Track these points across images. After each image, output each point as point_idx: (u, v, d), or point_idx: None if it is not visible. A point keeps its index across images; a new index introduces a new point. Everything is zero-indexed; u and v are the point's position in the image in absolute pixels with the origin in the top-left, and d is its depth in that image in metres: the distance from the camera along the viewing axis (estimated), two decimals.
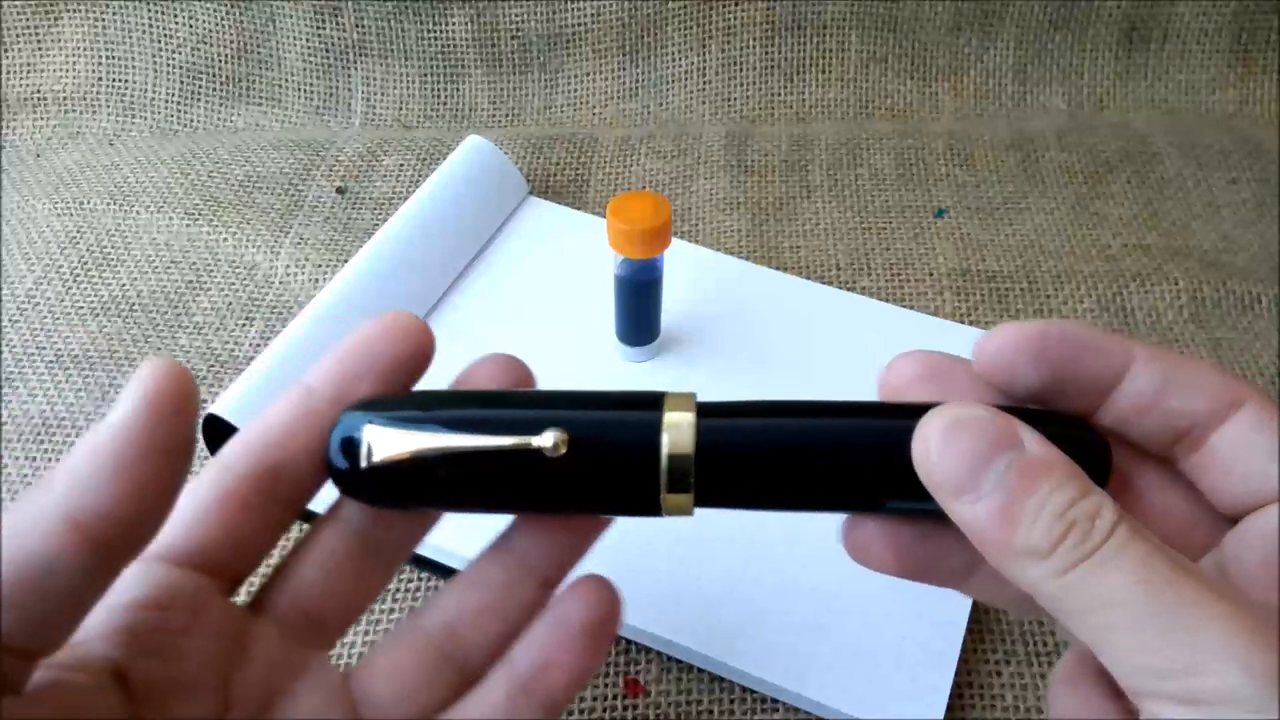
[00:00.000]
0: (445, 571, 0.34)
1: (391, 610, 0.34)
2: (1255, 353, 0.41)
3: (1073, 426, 0.20)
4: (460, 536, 0.30)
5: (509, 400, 0.21)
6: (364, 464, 0.20)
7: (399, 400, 0.21)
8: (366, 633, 0.33)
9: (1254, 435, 0.19)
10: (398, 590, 0.34)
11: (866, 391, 0.25)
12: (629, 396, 0.21)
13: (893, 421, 0.20)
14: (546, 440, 0.20)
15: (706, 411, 0.21)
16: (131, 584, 0.19)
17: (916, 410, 0.20)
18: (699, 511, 0.22)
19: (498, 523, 0.24)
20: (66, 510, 0.16)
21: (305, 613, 0.21)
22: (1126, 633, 0.16)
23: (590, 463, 0.20)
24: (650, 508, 0.21)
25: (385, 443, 0.20)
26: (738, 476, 0.21)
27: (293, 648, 0.21)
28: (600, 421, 0.21)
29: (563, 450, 0.20)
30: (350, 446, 0.21)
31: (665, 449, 0.20)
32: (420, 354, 0.22)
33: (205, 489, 0.20)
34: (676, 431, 0.20)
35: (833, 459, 0.20)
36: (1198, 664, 0.15)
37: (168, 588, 0.19)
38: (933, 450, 0.18)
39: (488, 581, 0.23)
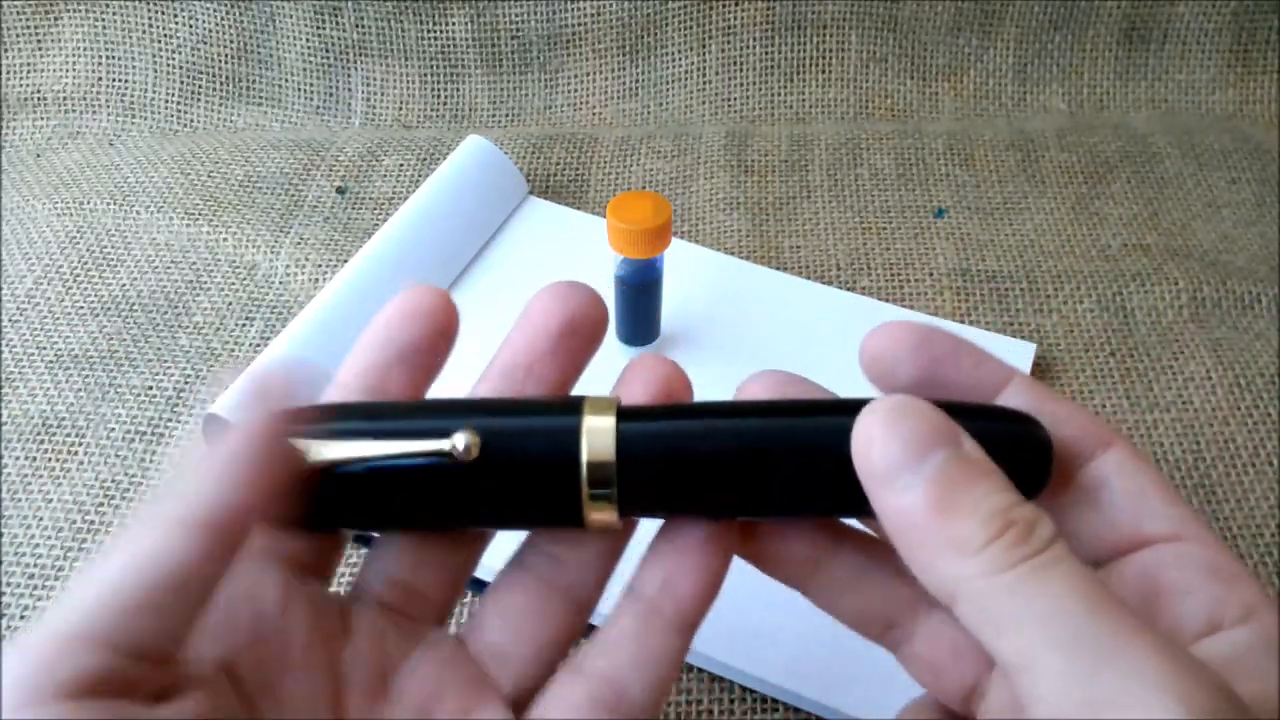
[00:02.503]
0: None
1: None
2: (1255, 353, 0.41)
3: (1021, 421, 0.19)
4: None
5: (422, 408, 0.20)
6: None
7: (305, 412, 0.20)
8: None
9: (1124, 476, 0.19)
10: None
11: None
12: (548, 402, 0.20)
13: (821, 420, 0.19)
14: (457, 443, 0.19)
15: (629, 415, 0.19)
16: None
17: (845, 407, 0.19)
18: None
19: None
20: (182, 516, 0.17)
21: (403, 587, 0.21)
22: (1059, 653, 0.15)
23: (505, 469, 0.19)
24: (573, 519, 0.19)
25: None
26: (663, 483, 0.19)
27: (400, 621, 0.21)
28: (514, 425, 0.19)
29: (474, 454, 0.19)
30: None
31: (584, 456, 0.19)
32: (444, 331, 0.21)
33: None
34: (596, 437, 0.19)
35: (760, 461, 0.19)
36: (1134, 697, 0.14)
37: (250, 583, 0.20)
38: (875, 435, 0.17)
39: None
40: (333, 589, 0.21)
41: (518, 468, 0.19)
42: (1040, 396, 0.20)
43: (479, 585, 0.34)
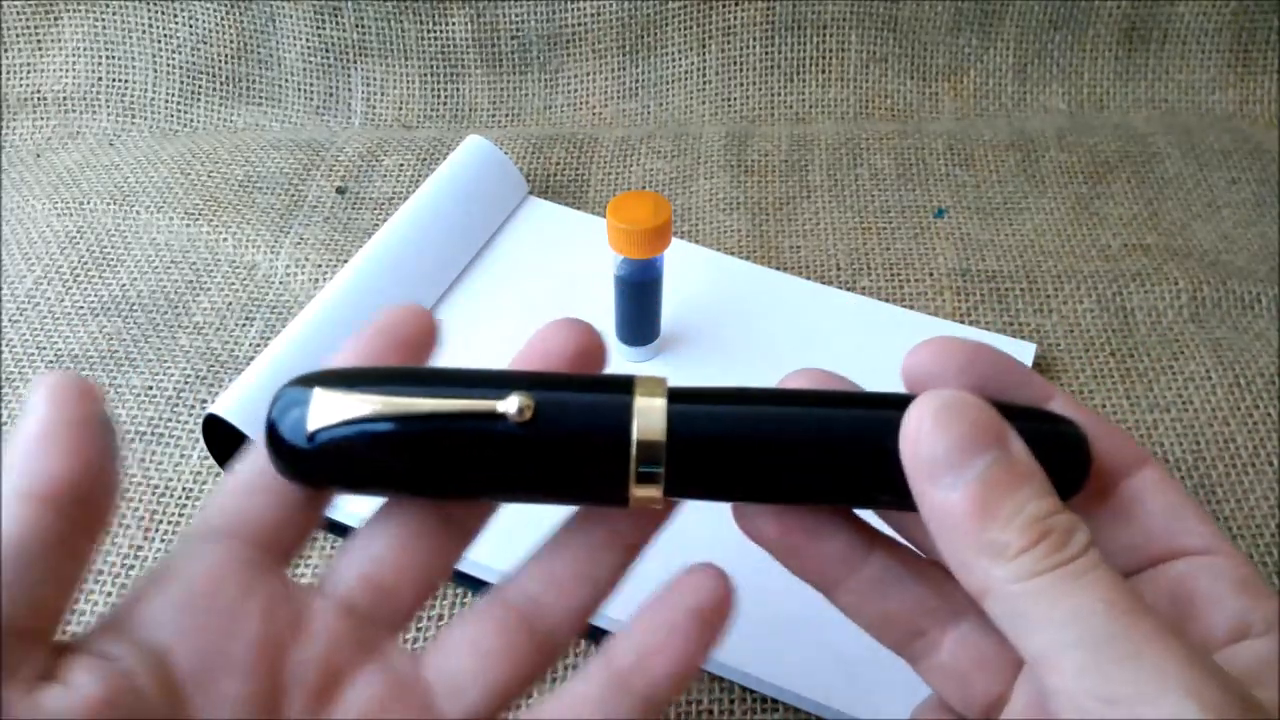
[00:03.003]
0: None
1: None
2: (1255, 353, 0.41)
3: (1060, 423, 0.20)
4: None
5: (478, 376, 0.20)
6: (309, 433, 0.19)
7: (349, 371, 0.20)
8: None
9: (1158, 492, 0.20)
10: None
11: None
12: (598, 379, 0.20)
13: (869, 412, 0.19)
14: (510, 404, 0.18)
15: (677, 397, 0.19)
16: (179, 564, 0.19)
17: (892, 401, 0.19)
18: (694, 506, 0.21)
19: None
20: (16, 488, 0.17)
21: (374, 586, 0.20)
22: (1081, 651, 0.16)
23: (554, 439, 0.19)
24: (617, 497, 0.19)
25: (334, 409, 0.19)
26: (710, 465, 0.19)
27: (359, 626, 0.20)
28: (567, 398, 0.19)
29: (527, 416, 0.19)
30: (293, 418, 0.19)
31: (635, 434, 0.19)
32: (426, 349, 0.22)
33: (246, 468, 0.21)
34: (647, 416, 0.19)
35: (807, 448, 0.19)
36: (1151, 694, 0.15)
37: (217, 565, 0.19)
38: (924, 429, 0.18)
39: (573, 547, 0.22)
40: (297, 578, 0.21)
41: (567, 440, 0.19)
42: (1084, 414, 0.20)
43: (465, 580, 0.34)
